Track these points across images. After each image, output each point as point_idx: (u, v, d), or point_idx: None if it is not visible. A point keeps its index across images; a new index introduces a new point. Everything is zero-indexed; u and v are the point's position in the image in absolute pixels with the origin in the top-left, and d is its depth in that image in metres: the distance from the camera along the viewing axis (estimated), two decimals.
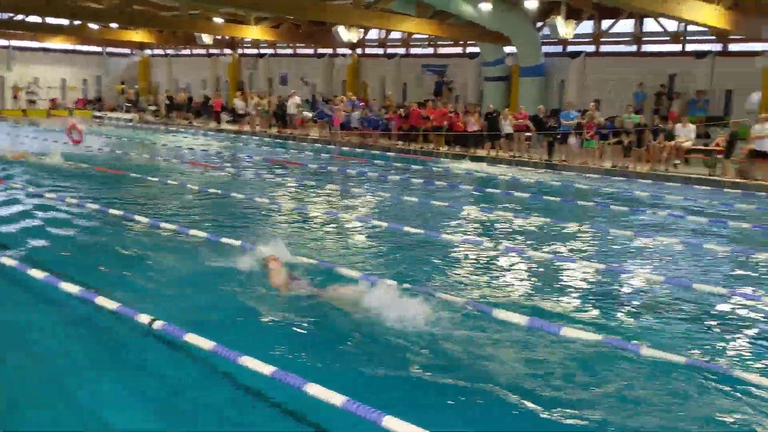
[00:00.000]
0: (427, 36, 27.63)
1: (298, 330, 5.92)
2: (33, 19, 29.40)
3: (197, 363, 5.24)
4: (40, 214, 10.29)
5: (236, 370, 4.88)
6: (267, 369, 4.71)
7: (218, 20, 27.41)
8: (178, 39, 33.26)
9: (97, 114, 36.24)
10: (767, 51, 19.86)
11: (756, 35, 18.95)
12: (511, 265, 8.44)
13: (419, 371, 5.16)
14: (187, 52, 39.44)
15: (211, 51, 36.82)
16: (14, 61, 36.30)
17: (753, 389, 5.00)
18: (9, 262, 7.40)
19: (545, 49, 24.87)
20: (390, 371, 5.15)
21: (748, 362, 5.60)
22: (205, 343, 5.16)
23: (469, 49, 28.17)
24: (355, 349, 5.59)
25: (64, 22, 30.10)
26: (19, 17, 28.64)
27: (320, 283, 6.94)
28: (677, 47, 23.38)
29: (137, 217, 10.07)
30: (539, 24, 24.04)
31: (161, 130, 29.50)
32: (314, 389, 4.39)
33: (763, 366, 5.53)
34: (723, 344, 6.01)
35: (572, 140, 19.68)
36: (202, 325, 5.65)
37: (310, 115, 27.49)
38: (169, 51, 40.15)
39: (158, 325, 5.54)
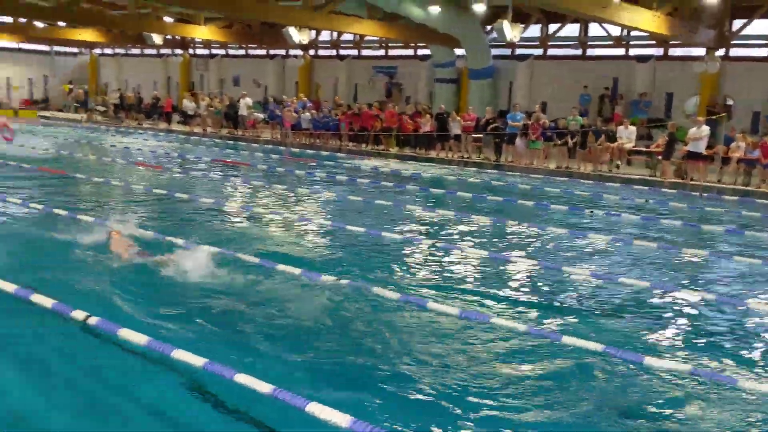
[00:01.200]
0: (378, 38, 27.84)
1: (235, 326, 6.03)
2: None
3: (132, 357, 5.31)
4: None
5: (172, 363, 4.98)
6: (199, 361, 4.81)
7: (168, 19, 27.16)
8: (127, 38, 32.79)
9: (43, 114, 35.48)
10: (704, 56, 20.59)
11: (692, 41, 19.66)
12: (448, 261, 8.66)
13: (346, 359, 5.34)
14: (137, 51, 38.91)
15: (162, 51, 36.40)
16: None
17: (669, 377, 5.29)
18: None
19: (495, 51, 25.31)
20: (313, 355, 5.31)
21: (674, 352, 5.91)
22: (139, 338, 5.24)
23: (420, 51, 28.48)
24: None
25: (8, 19, 29.44)
26: None
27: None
28: (621, 51, 24.06)
29: (80, 217, 10.02)
30: (488, 27, 24.46)
31: (110, 131, 29.09)
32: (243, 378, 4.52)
33: (688, 356, 5.83)
34: (648, 335, 6.30)
35: (519, 141, 20.11)
36: (138, 320, 5.72)
37: (261, 116, 27.43)
38: (118, 50, 39.56)
39: (93, 321, 5.59)
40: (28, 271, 7.25)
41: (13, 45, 36.95)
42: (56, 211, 10.39)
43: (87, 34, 31.37)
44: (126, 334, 5.32)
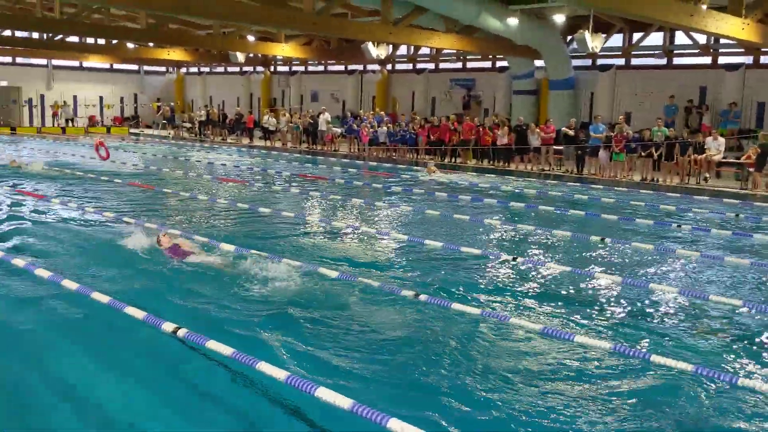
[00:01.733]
0: (455, 50, 27.80)
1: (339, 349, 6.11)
2: (72, 38, 30.30)
3: (219, 367, 5.46)
4: (76, 227, 10.70)
5: (253, 373, 5.09)
6: (281, 374, 4.89)
7: (251, 38, 27.97)
8: (212, 57, 33.96)
9: (134, 131, 37.14)
10: None
11: None
12: (529, 277, 8.52)
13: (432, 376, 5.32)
14: (221, 69, 40.21)
15: (245, 69, 37.50)
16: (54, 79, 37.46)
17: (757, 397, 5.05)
18: (44, 273, 7.70)
19: (575, 62, 24.86)
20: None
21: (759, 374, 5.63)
22: (225, 349, 5.37)
23: (498, 63, 28.29)
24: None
25: (102, 41, 31.00)
26: (59, 37, 29.53)
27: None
28: (708, 60, 23.22)
29: (171, 231, 10.37)
30: (569, 38, 24.07)
31: (196, 146, 30.11)
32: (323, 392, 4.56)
33: None
34: (740, 356, 6.03)
35: (602, 153, 19.67)
36: (222, 332, 5.89)
37: (339, 130, 27.83)
38: (204, 69, 40.99)
39: (182, 333, 5.77)
40: (121, 284, 7.57)
41: (106, 65, 38.91)
42: (147, 225, 10.80)
43: (174, 54, 32.65)
44: (213, 345, 5.46)
